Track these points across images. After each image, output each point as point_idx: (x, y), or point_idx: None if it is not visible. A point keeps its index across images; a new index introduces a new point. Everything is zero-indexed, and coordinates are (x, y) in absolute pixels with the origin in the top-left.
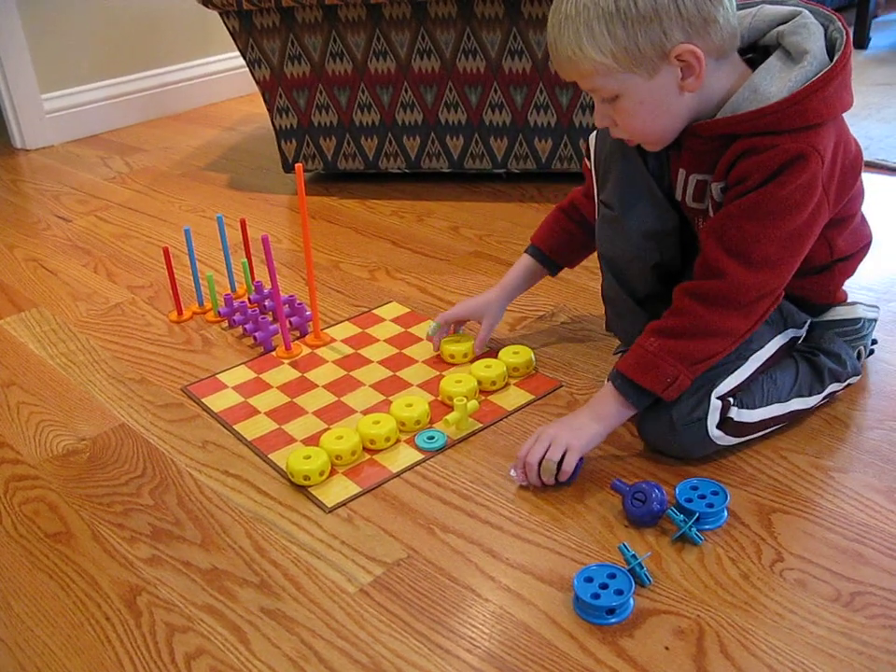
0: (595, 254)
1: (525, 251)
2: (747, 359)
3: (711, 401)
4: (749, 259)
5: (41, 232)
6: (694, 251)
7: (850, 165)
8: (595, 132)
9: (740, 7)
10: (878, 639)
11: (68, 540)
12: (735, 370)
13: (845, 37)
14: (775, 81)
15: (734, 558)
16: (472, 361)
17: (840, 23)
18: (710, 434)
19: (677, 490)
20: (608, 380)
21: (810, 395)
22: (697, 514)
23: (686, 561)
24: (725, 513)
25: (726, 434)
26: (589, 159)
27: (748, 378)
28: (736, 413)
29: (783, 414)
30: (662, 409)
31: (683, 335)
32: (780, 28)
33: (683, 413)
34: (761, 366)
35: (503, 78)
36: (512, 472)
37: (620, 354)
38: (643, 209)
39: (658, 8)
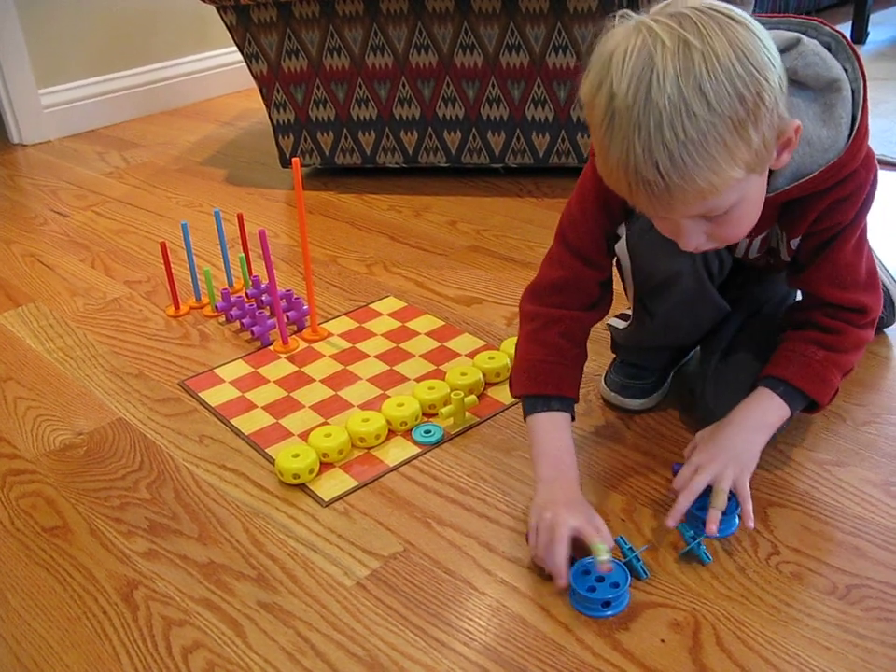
0: None
1: (549, 409)
2: None
3: None
4: (868, 285)
5: (38, 227)
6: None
7: None
8: None
9: None
10: (874, 632)
11: (65, 535)
12: None
13: (844, 43)
14: (821, 124)
15: (730, 551)
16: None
17: (827, 28)
18: None
19: None
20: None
21: None
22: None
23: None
24: (736, 521)
25: None
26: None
27: None
28: None
29: None
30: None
31: (843, 350)
32: (788, 65)
33: None
34: None
35: (501, 73)
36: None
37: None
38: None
39: (775, 93)
